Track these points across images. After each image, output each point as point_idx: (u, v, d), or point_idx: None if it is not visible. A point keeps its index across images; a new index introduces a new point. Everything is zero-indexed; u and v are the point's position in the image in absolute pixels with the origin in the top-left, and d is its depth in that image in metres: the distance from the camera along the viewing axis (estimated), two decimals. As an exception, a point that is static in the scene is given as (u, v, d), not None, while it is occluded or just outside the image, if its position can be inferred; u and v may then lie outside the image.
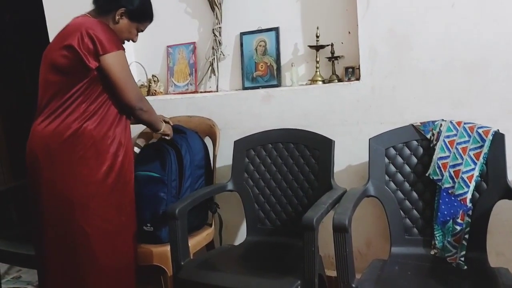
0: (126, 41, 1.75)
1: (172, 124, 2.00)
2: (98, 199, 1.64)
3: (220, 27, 2.22)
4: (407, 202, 1.71)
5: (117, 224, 1.70)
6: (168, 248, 1.76)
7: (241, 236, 2.21)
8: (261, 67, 2.17)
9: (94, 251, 1.64)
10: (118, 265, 1.71)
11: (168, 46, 2.40)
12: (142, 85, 2.42)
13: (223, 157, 2.10)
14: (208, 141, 2.14)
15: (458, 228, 1.58)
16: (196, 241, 1.93)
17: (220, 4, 2.19)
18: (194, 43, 2.33)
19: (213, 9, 2.21)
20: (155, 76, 2.41)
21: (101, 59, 1.56)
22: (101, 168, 1.64)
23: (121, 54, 1.62)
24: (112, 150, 1.67)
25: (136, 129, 2.30)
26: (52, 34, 2.49)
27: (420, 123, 1.72)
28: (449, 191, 1.61)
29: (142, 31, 1.79)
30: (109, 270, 1.68)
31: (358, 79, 1.93)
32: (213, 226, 2.07)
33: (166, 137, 1.91)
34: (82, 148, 1.61)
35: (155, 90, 2.40)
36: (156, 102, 2.33)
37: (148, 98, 2.38)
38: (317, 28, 1.99)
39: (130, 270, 1.78)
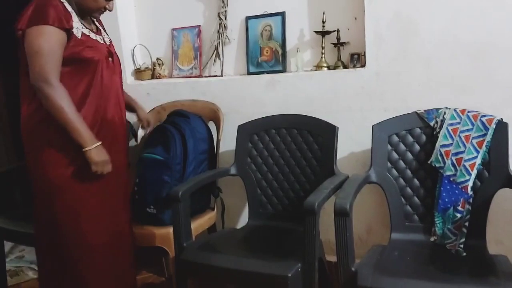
0: (103, 11, 1.63)
1: (146, 133, 1.91)
2: (78, 181, 1.57)
3: (225, 11, 2.21)
4: (408, 189, 1.72)
5: (108, 206, 1.67)
6: (170, 230, 1.78)
7: (243, 220, 2.23)
8: (266, 52, 2.17)
9: (82, 232, 1.61)
10: (112, 245, 1.69)
11: (173, 29, 2.40)
12: (146, 68, 2.42)
13: (227, 141, 2.10)
14: (211, 125, 2.15)
15: (459, 215, 1.59)
16: (198, 224, 1.95)
17: (225, -13, 2.17)
18: (199, 26, 2.32)
19: (218, -8, 2.20)
20: (160, 59, 2.41)
21: (24, 33, 1.47)
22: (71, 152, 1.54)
23: (41, 29, 1.44)
24: None
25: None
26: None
27: (424, 110, 1.72)
28: (451, 179, 1.62)
29: None
30: (102, 250, 1.66)
31: (363, 65, 1.93)
32: (215, 209, 2.09)
33: (94, 168, 1.54)
34: (52, 130, 1.52)
35: (159, 73, 2.40)
36: (160, 86, 2.34)
37: (152, 81, 2.39)
38: (323, 13, 1.98)
39: (126, 250, 1.77)
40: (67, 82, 1.51)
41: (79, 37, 1.53)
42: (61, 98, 1.47)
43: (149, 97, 2.34)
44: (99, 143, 1.53)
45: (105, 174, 1.57)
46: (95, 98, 1.58)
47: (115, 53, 1.73)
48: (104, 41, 1.66)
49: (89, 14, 1.63)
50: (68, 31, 1.50)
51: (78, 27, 1.54)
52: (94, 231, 1.63)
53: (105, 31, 1.76)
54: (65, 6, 1.52)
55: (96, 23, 1.72)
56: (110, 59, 1.66)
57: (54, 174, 1.55)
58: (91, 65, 1.57)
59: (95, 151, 1.52)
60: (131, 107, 1.90)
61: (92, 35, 1.60)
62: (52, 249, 1.64)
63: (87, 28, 1.59)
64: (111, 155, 1.60)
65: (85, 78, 1.56)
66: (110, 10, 1.64)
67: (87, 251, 1.63)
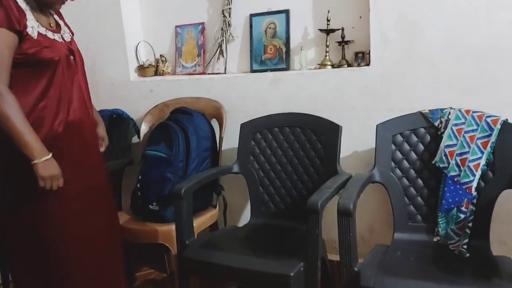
0: (64, 2, 1.54)
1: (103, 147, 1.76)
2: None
3: (230, 8, 2.20)
4: (412, 189, 1.71)
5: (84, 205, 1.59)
6: (173, 227, 1.78)
7: (245, 218, 2.23)
8: (270, 50, 2.16)
9: (61, 231, 1.54)
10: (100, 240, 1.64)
11: (176, 26, 2.39)
12: (150, 64, 2.41)
13: (229, 139, 2.10)
14: (214, 123, 2.14)
15: (462, 216, 1.58)
16: (201, 222, 1.95)
17: (230, -15, 2.17)
18: (203, 23, 2.32)
19: (223, -11, 2.19)
20: (163, 56, 2.41)
21: None
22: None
23: None
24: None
25: (144, 108, 2.31)
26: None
27: (429, 110, 1.71)
28: (455, 179, 1.61)
29: None
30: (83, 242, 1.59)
31: (367, 64, 1.92)
32: (217, 207, 2.09)
33: (41, 183, 1.42)
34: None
35: (163, 70, 2.40)
36: (164, 83, 2.34)
37: (156, 78, 2.39)
38: (328, 11, 1.96)
39: (116, 245, 1.72)
40: (22, 85, 1.43)
41: (35, 38, 1.43)
42: (8, 105, 1.35)
43: (152, 93, 2.34)
44: (49, 156, 1.41)
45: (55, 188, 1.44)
46: (55, 100, 1.48)
47: (77, 50, 1.61)
48: (64, 39, 1.55)
49: (49, 7, 1.52)
50: (21, 32, 1.40)
51: (34, 26, 1.44)
52: (71, 238, 1.55)
53: (66, 25, 1.65)
54: (18, 4, 1.41)
55: (56, 17, 1.61)
56: (71, 57, 1.55)
57: (25, 179, 1.44)
58: (49, 66, 1.47)
59: (42, 165, 1.39)
60: None
61: (50, 34, 1.49)
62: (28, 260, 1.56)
63: (43, 26, 1.48)
64: (81, 156, 1.55)
65: (42, 80, 1.46)
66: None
67: (68, 243, 1.56)
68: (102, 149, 1.76)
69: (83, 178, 1.58)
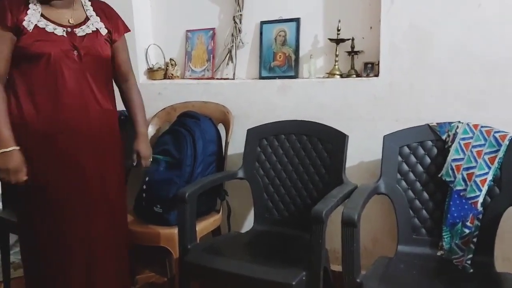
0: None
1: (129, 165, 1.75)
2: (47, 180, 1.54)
3: (241, 15, 2.21)
4: (417, 202, 1.70)
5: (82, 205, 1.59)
6: (175, 230, 1.78)
7: (248, 224, 2.23)
8: (279, 57, 2.17)
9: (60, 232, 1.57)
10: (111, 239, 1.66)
11: (187, 31, 2.40)
12: (159, 68, 2.42)
13: (236, 144, 2.10)
14: (221, 128, 2.15)
15: (467, 231, 1.57)
16: (203, 226, 1.94)
17: (242, -9, 2.18)
18: (213, 29, 2.33)
19: (235, -4, 2.20)
20: (173, 60, 2.42)
21: None
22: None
23: None
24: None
25: (152, 110, 2.32)
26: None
27: (437, 123, 1.71)
28: (461, 194, 1.60)
29: None
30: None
31: (376, 75, 1.92)
32: (221, 212, 2.09)
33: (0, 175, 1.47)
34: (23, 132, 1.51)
35: (172, 74, 2.41)
36: (172, 86, 2.35)
37: (165, 81, 2.40)
38: (339, 21, 1.97)
39: (123, 244, 1.73)
40: (19, 79, 1.48)
41: (30, 31, 1.45)
42: None
43: (161, 96, 2.35)
44: (8, 149, 1.42)
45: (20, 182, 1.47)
46: (47, 94, 1.49)
47: (93, 45, 1.56)
48: (74, 33, 1.52)
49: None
50: (18, 28, 1.44)
51: (31, 20, 1.45)
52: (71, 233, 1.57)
53: (108, 18, 1.64)
54: None
55: (90, 10, 1.60)
56: (75, 52, 1.51)
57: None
58: (42, 60, 1.47)
59: (1, 156, 1.42)
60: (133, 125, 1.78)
61: (50, 28, 1.49)
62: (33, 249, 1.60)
63: (47, 19, 1.49)
64: (71, 155, 1.53)
65: (34, 75, 1.48)
66: None
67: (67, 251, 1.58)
68: (143, 164, 1.74)
69: (73, 177, 1.55)
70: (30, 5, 1.48)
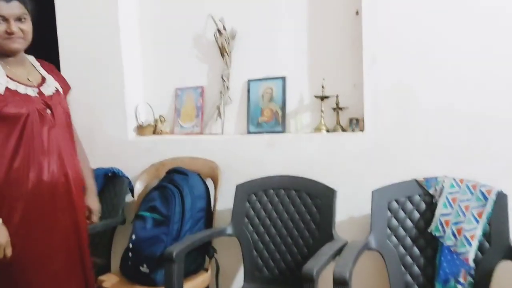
0: (9, 37, 1.47)
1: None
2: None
3: (229, 73, 2.28)
4: (408, 258, 1.68)
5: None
6: (162, 292, 1.71)
7: (238, 282, 2.16)
8: (267, 113, 2.21)
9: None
10: None
11: (177, 89, 2.46)
12: (149, 124, 2.45)
13: (224, 200, 2.09)
14: (210, 183, 2.14)
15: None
16: (191, 286, 1.88)
17: (229, 51, 2.26)
18: (202, 87, 2.39)
19: (222, 56, 2.27)
20: (162, 117, 2.45)
21: None
22: None
23: None
24: None
25: (140, 166, 2.31)
26: (62, 35, 2.47)
27: (423, 178, 1.73)
28: (452, 249, 1.59)
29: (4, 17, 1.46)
30: None
31: (362, 130, 1.96)
32: (209, 271, 2.03)
33: None
34: None
35: (161, 130, 2.43)
36: (162, 142, 2.36)
37: (154, 137, 2.42)
38: (323, 79, 2.04)
39: None
40: None
41: (2, 93, 1.45)
42: None
43: (149, 152, 2.35)
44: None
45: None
46: (26, 155, 1.46)
47: (60, 104, 1.59)
48: (42, 93, 1.55)
49: (5, 51, 1.50)
50: None
51: (1, 82, 1.46)
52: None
53: (58, 79, 1.66)
54: None
55: (43, 71, 1.63)
56: (48, 111, 1.53)
57: None
58: (18, 121, 1.46)
59: None
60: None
61: (21, 89, 1.50)
62: None
63: (15, 80, 1.50)
64: (52, 216, 1.50)
65: (12, 134, 1.46)
66: (11, 33, 1.46)
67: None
68: (93, 219, 1.70)
69: (44, 239, 1.49)
70: None
